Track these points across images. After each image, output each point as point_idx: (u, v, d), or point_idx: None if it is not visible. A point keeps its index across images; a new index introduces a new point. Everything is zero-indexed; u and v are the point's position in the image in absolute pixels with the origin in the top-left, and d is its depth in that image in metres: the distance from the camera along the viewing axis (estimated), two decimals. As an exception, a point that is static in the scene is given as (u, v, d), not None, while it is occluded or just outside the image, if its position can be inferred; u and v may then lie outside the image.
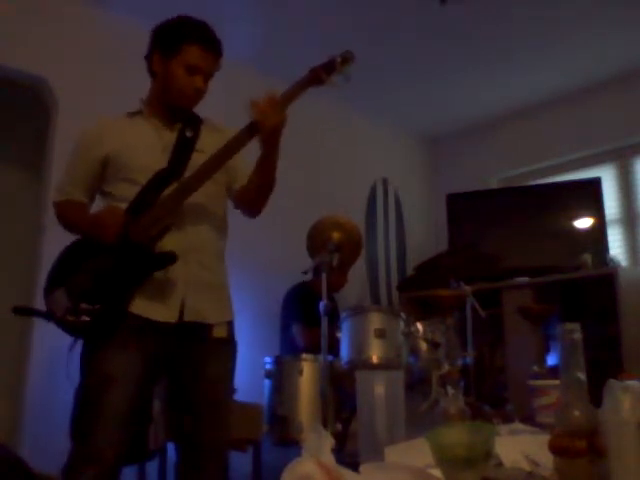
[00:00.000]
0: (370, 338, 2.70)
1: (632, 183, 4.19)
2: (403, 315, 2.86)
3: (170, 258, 1.69)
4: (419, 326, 2.88)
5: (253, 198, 1.90)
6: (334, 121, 4.45)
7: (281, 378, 2.80)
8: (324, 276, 2.63)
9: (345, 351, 2.75)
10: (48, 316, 1.69)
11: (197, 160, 1.79)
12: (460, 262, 3.44)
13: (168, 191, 1.75)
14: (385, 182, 4.77)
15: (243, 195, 1.90)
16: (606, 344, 3.32)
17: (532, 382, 1.63)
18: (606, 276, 3.56)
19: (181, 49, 1.78)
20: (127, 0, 3.32)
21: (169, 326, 1.73)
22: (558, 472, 0.97)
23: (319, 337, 2.63)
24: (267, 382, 2.85)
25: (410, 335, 2.82)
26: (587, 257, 3.76)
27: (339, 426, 2.57)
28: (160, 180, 1.75)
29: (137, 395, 1.70)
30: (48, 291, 1.72)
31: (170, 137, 1.85)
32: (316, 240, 2.86)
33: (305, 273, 2.67)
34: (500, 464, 1.12)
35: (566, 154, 4.42)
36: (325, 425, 2.42)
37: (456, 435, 1.03)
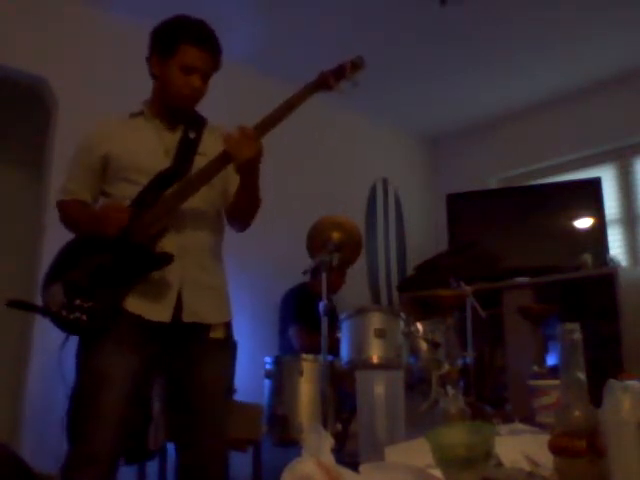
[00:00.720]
0: (370, 338, 2.70)
1: (632, 183, 4.19)
2: (403, 315, 2.86)
3: (166, 259, 1.69)
4: (419, 326, 2.88)
5: (237, 217, 1.91)
6: (334, 121, 4.45)
7: (281, 378, 2.80)
8: (324, 276, 2.63)
9: (345, 351, 2.75)
10: (43, 311, 1.69)
11: (199, 163, 1.79)
12: (460, 262, 3.45)
13: (169, 192, 1.75)
14: (385, 182, 4.77)
15: (228, 212, 1.91)
16: (606, 344, 3.32)
17: (532, 382, 1.63)
18: (606, 276, 3.56)
19: (177, 49, 1.78)
20: (127, 0, 3.32)
21: (164, 326, 1.73)
22: (558, 472, 0.97)
23: (315, 340, 2.63)
24: (267, 382, 2.86)
25: (410, 335, 2.82)
26: (587, 257, 3.76)
27: (339, 426, 2.57)
28: (163, 180, 1.75)
29: (133, 394, 1.70)
30: (45, 285, 1.72)
31: (171, 139, 1.85)
32: (316, 240, 2.86)
33: (305, 273, 2.67)
34: (500, 464, 1.12)
35: (566, 154, 4.42)
36: (325, 425, 2.42)
37: (456, 435, 1.03)
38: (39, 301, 1.75)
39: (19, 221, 3.56)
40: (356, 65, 1.79)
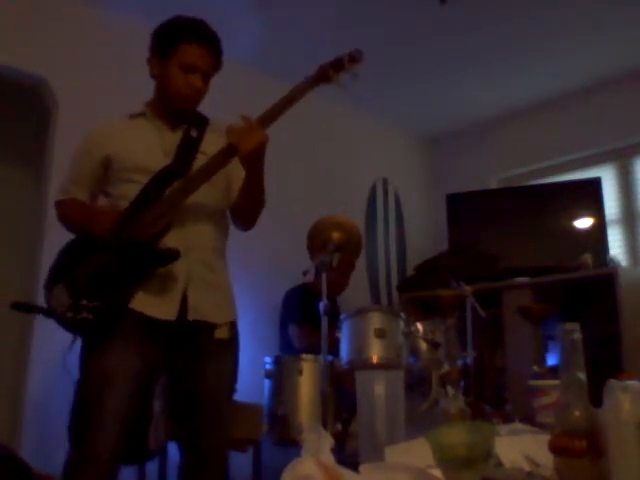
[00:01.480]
0: (370, 338, 2.70)
1: (632, 183, 4.19)
2: (403, 315, 2.86)
3: (173, 255, 1.68)
4: (419, 326, 2.88)
5: (242, 216, 1.91)
6: (334, 121, 4.45)
7: (281, 378, 2.80)
8: (324, 276, 2.63)
9: (345, 351, 2.75)
10: (48, 312, 1.69)
11: (200, 162, 1.79)
12: (460, 262, 3.45)
13: (170, 190, 1.75)
14: (385, 182, 4.77)
15: (233, 211, 1.90)
16: (606, 344, 3.32)
17: (532, 382, 1.63)
18: (606, 276, 3.56)
19: (177, 49, 1.77)
20: (127, 0, 3.32)
21: (169, 324, 1.73)
22: (558, 472, 0.97)
23: (315, 339, 2.63)
24: (267, 382, 2.86)
25: (410, 335, 2.82)
26: (587, 257, 3.76)
27: (339, 426, 2.57)
28: (163, 178, 1.75)
29: (136, 394, 1.70)
30: (48, 287, 1.72)
31: (172, 139, 1.84)
32: (316, 240, 2.86)
33: (305, 274, 2.67)
34: (500, 464, 1.12)
35: (566, 154, 4.42)
36: (325, 425, 2.42)
37: (456, 435, 1.03)
38: (40, 302, 1.75)
39: (19, 221, 3.55)
40: (354, 57, 1.79)
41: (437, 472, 1.01)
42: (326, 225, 2.88)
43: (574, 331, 1.00)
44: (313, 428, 1.02)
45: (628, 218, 4.16)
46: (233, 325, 1.88)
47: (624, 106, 4.08)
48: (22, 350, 3.03)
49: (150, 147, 1.82)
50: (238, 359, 1.90)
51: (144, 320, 1.70)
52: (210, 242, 1.85)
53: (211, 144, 1.83)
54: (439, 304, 3.17)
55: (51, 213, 1.96)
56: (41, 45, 3.15)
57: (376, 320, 2.75)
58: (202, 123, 1.90)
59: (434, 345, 2.83)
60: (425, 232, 4.93)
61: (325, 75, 1.78)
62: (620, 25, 3.57)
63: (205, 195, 1.79)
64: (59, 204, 1.90)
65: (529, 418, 1.57)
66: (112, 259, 1.69)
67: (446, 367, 2.75)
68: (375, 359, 2.67)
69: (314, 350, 2.81)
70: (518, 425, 1.52)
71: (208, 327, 1.79)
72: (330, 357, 2.65)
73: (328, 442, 0.98)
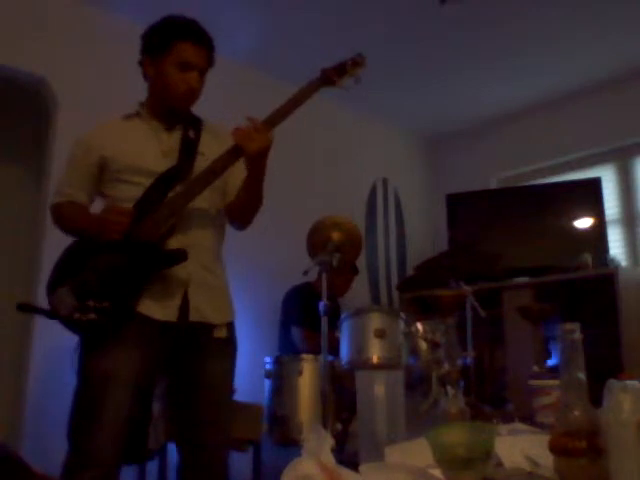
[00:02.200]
0: (370, 338, 2.70)
1: (632, 183, 4.19)
2: (403, 315, 2.86)
3: (181, 256, 1.69)
4: (419, 326, 2.88)
5: (239, 215, 1.91)
6: (334, 121, 4.45)
7: (281, 378, 2.80)
8: (324, 276, 2.63)
9: (345, 351, 2.75)
10: (51, 314, 1.69)
11: (200, 162, 1.79)
12: (460, 262, 3.44)
13: (173, 191, 1.75)
14: (385, 182, 4.77)
15: (230, 210, 1.90)
16: (606, 344, 3.32)
17: (532, 382, 1.63)
18: (606, 276, 3.56)
19: (171, 47, 1.77)
20: (127, 0, 3.32)
21: (169, 325, 1.73)
22: (558, 472, 0.97)
23: (319, 341, 2.62)
24: (267, 382, 2.86)
25: (410, 335, 2.82)
26: (587, 257, 3.76)
27: (339, 426, 2.57)
28: (168, 179, 1.75)
29: (137, 395, 1.69)
30: (51, 289, 1.71)
31: (168, 139, 1.84)
32: (316, 240, 2.86)
33: (305, 273, 2.66)
34: (500, 464, 1.12)
35: (566, 154, 4.42)
36: (325, 425, 2.42)
37: (456, 435, 1.03)
38: (40, 301, 1.74)
39: (19, 221, 3.55)
40: (356, 62, 1.84)
41: (437, 472, 1.01)
42: (326, 225, 2.88)
43: (574, 331, 1.00)
44: (313, 428, 1.02)
45: (628, 218, 4.16)
46: (231, 326, 1.88)
47: (624, 106, 4.08)
48: (22, 350, 3.03)
49: (147, 148, 1.82)
50: (235, 360, 1.90)
51: (145, 321, 1.70)
52: (209, 243, 1.86)
53: (207, 145, 1.84)
54: (439, 304, 3.18)
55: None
56: (41, 45, 3.15)
57: (376, 320, 2.75)
58: (197, 124, 1.90)
59: (434, 345, 2.83)
60: (425, 232, 4.93)
61: (329, 79, 1.82)
62: (620, 25, 3.57)
63: (203, 197, 1.79)
64: (57, 207, 1.87)
65: (529, 418, 1.57)
66: (122, 260, 1.69)
67: (446, 367, 2.75)
68: (375, 359, 2.66)
69: (317, 352, 2.80)
70: (518, 425, 1.52)
71: (207, 328, 1.80)
72: (330, 357, 2.65)
73: (328, 442, 0.98)
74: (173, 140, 1.84)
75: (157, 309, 1.72)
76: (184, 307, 1.75)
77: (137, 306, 1.69)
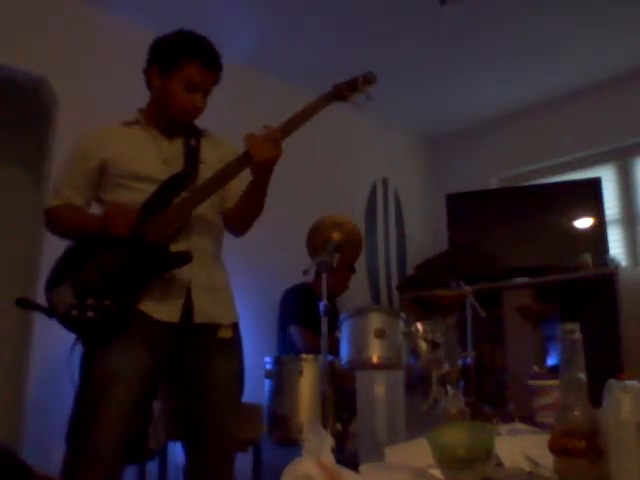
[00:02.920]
0: (370, 338, 2.70)
1: (632, 183, 4.19)
2: (403, 315, 2.86)
3: (186, 257, 1.70)
4: (419, 326, 2.88)
5: (238, 222, 1.92)
6: (334, 121, 4.44)
7: (281, 378, 2.80)
8: (324, 276, 2.63)
9: (345, 351, 2.75)
10: (50, 312, 1.68)
11: (202, 171, 1.81)
12: (460, 262, 3.45)
13: (178, 197, 1.76)
14: (385, 182, 4.77)
15: (230, 217, 1.91)
16: (606, 344, 3.32)
17: (532, 382, 1.63)
18: (606, 276, 3.56)
19: (181, 66, 1.77)
20: (127, 0, 3.32)
21: (172, 326, 1.73)
22: (558, 472, 0.97)
23: (318, 340, 2.63)
24: (267, 382, 2.86)
25: (410, 335, 2.82)
26: (587, 257, 3.76)
27: (339, 426, 2.57)
28: (175, 184, 1.77)
29: (138, 396, 1.69)
30: (51, 287, 1.71)
31: (169, 148, 1.85)
32: (316, 240, 2.86)
33: (305, 273, 2.67)
34: (500, 464, 1.12)
35: (566, 154, 4.42)
36: (325, 425, 2.42)
37: (456, 435, 1.03)
38: (41, 301, 1.74)
39: (19, 221, 3.55)
40: (367, 79, 1.87)
41: (437, 472, 1.01)
42: (326, 225, 2.88)
43: (574, 331, 1.00)
44: (313, 428, 1.02)
45: (628, 218, 4.16)
46: (236, 326, 1.89)
47: (624, 106, 4.08)
48: (22, 350, 3.03)
49: (148, 155, 1.82)
50: (243, 360, 1.90)
51: (147, 322, 1.70)
52: (210, 247, 1.87)
53: (208, 154, 1.86)
54: (439, 304, 3.18)
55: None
56: (41, 45, 3.15)
57: (376, 320, 2.75)
58: (197, 133, 1.92)
59: (434, 345, 2.83)
60: (425, 232, 4.93)
61: (340, 94, 1.86)
62: (620, 25, 3.57)
63: (207, 203, 1.80)
64: (54, 210, 1.84)
65: (529, 418, 1.57)
66: (126, 259, 1.69)
67: (446, 367, 2.75)
68: (375, 359, 2.67)
69: (317, 351, 2.81)
70: (518, 425, 1.52)
71: (212, 328, 1.80)
72: (330, 357, 2.66)
73: (328, 442, 0.98)
74: (174, 148, 1.85)
75: (159, 310, 1.72)
76: (188, 308, 1.75)
77: (139, 306, 1.69)
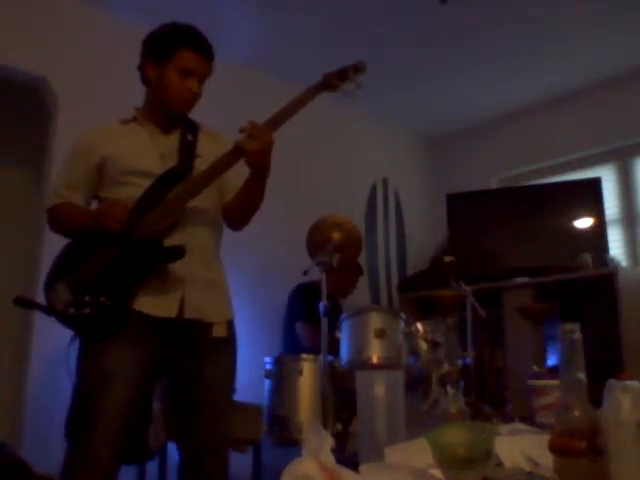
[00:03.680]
0: (370, 338, 2.70)
1: (632, 183, 4.19)
2: (403, 315, 2.86)
3: (179, 252, 1.70)
4: (419, 326, 2.88)
5: (237, 215, 1.92)
6: (334, 121, 4.45)
7: (281, 378, 2.80)
8: (324, 277, 2.63)
9: (345, 351, 2.75)
10: (48, 310, 1.69)
11: (198, 165, 1.81)
12: (460, 262, 3.45)
13: (173, 192, 1.76)
14: (385, 182, 4.77)
15: (228, 210, 1.91)
16: (606, 344, 3.32)
17: (532, 382, 1.63)
18: (606, 276, 3.56)
19: (174, 54, 1.79)
20: (127, 0, 3.32)
21: (168, 322, 1.73)
22: (558, 472, 0.97)
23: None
24: (267, 382, 2.86)
25: (410, 335, 2.82)
26: (587, 257, 3.76)
27: (339, 426, 2.57)
28: (170, 178, 1.77)
29: (136, 393, 1.69)
30: (49, 285, 1.72)
31: (166, 142, 1.86)
32: (316, 240, 2.86)
33: (305, 274, 2.67)
34: (500, 464, 1.12)
35: (566, 154, 4.42)
36: (325, 425, 2.42)
37: (456, 435, 1.03)
38: (41, 300, 1.74)
39: (19, 221, 3.55)
40: (358, 68, 1.88)
41: (437, 472, 1.01)
42: (326, 225, 2.88)
43: (574, 331, 1.00)
44: (313, 428, 1.01)
45: (628, 218, 4.16)
46: (231, 324, 1.89)
47: (624, 106, 4.08)
48: (22, 349, 3.03)
49: (146, 150, 1.83)
50: (236, 358, 1.90)
51: (143, 318, 1.71)
52: (207, 242, 1.87)
53: (204, 148, 1.86)
54: (439, 304, 3.18)
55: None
56: (41, 45, 3.15)
57: (376, 320, 2.75)
58: (194, 128, 1.92)
59: (434, 345, 2.83)
60: (425, 232, 4.93)
61: (330, 83, 1.86)
62: (620, 25, 3.57)
63: (202, 196, 1.80)
64: (55, 208, 1.86)
65: (529, 418, 1.57)
66: (119, 255, 1.70)
67: (446, 367, 2.75)
68: (375, 359, 2.67)
69: (320, 348, 2.81)
70: (518, 425, 1.52)
71: (205, 326, 1.80)
72: (330, 357, 2.66)
73: (328, 442, 0.98)
74: (171, 143, 1.86)
75: (155, 306, 1.72)
76: (182, 304, 1.75)
77: (134, 302, 1.70)
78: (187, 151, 1.84)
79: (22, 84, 3.24)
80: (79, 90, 3.21)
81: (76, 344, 1.72)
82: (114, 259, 1.69)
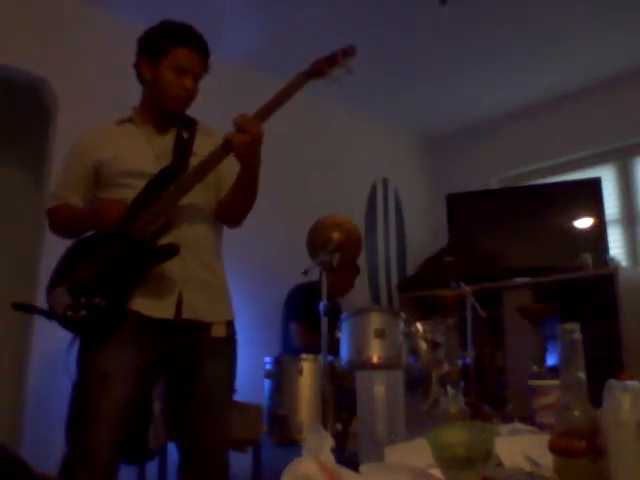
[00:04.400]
0: (370, 338, 2.70)
1: (632, 183, 4.19)
2: (403, 315, 2.86)
3: (172, 250, 1.69)
4: (419, 326, 2.88)
5: (230, 212, 1.90)
6: (334, 121, 4.45)
7: (281, 378, 2.80)
8: (324, 276, 2.63)
9: (345, 351, 2.75)
10: (49, 314, 1.69)
11: (194, 163, 1.80)
12: (460, 262, 3.45)
13: (167, 190, 1.75)
14: (385, 182, 4.77)
15: (221, 207, 1.89)
16: (606, 344, 3.32)
17: (532, 382, 1.63)
18: (606, 276, 3.56)
19: (169, 51, 1.80)
20: (127, 0, 3.32)
21: (166, 323, 1.73)
22: (558, 472, 0.97)
23: (316, 339, 2.62)
24: (267, 382, 2.86)
25: (410, 335, 2.82)
26: (587, 257, 3.76)
27: (339, 426, 2.57)
28: (164, 177, 1.76)
29: (135, 394, 1.70)
30: (50, 289, 1.72)
31: (161, 142, 1.86)
32: (316, 240, 2.86)
33: (305, 274, 2.67)
34: (500, 464, 1.12)
35: (566, 154, 4.42)
36: (325, 425, 2.42)
37: (456, 435, 1.02)
38: (40, 302, 1.75)
39: (19, 221, 3.55)
40: (347, 52, 1.83)
41: (437, 472, 1.01)
42: (326, 225, 2.88)
43: (574, 331, 1.00)
44: (313, 428, 1.01)
45: (628, 218, 4.16)
46: (230, 324, 1.88)
47: (624, 106, 4.08)
48: (22, 350, 3.03)
49: (141, 151, 1.83)
50: (236, 359, 1.90)
51: (141, 319, 1.71)
52: (206, 241, 1.86)
53: (202, 145, 1.85)
54: (439, 304, 3.18)
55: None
56: (41, 45, 3.15)
57: (376, 320, 2.75)
58: (191, 125, 1.92)
59: (434, 345, 2.83)
60: (425, 232, 4.93)
61: (319, 70, 1.82)
62: (620, 25, 3.57)
63: (198, 194, 1.80)
64: (53, 210, 1.86)
65: (529, 418, 1.57)
66: (114, 256, 1.70)
67: (446, 367, 2.75)
68: (375, 359, 2.67)
69: (313, 349, 2.81)
70: (518, 425, 1.52)
71: (204, 326, 1.80)
72: (330, 357, 2.65)
73: (328, 442, 0.98)
74: (166, 143, 1.86)
75: (153, 306, 1.72)
76: (179, 304, 1.75)
77: (132, 303, 1.70)
78: (182, 149, 1.84)
79: (22, 84, 3.24)
80: (79, 90, 3.21)
81: (76, 345, 1.72)
82: (109, 260, 1.70)
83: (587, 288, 3.68)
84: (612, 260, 3.78)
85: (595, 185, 4.02)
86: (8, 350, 3.27)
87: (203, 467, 1.77)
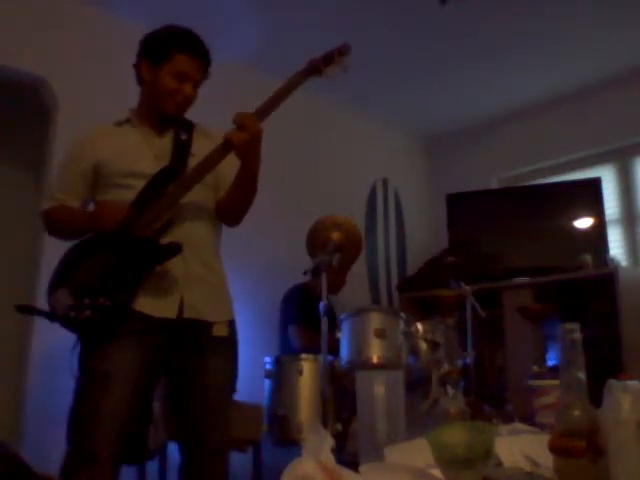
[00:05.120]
0: (370, 338, 2.70)
1: (632, 183, 4.19)
2: (403, 315, 2.86)
3: (175, 249, 1.70)
4: (419, 326, 2.88)
5: (229, 211, 1.91)
6: (334, 121, 4.45)
7: (281, 378, 2.80)
8: (324, 276, 2.63)
9: (345, 351, 2.75)
10: (50, 316, 1.69)
11: (192, 163, 1.81)
12: (460, 262, 3.45)
13: (169, 188, 1.75)
14: (385, 182, 4.77)
15: (221, 206, 1.90)
16: (606, 344, 3.32)
17: (532, 382, 1.63)
18: (606, 276, 3.56)
19: (171, 57, 1.80)
20: (127, 0, 3.32)
21: (168, 322, 1.73)
22: (558, 472, 0.97)
23: (315, 340, 2.62)
24: (267, 382, 2.85)
25: (410, 335, 2.82)
26: (587, 257, 3.76)
27: (339, 426, 2.57)
28: (164, 177, 1.76)
29: (136, 394, 1.70)
30: (51, 291, 1.72)
31: (160, 143, 1.86)
32: (316, 240, 2.86)
33: (306, 274, 2.67)
34: (500, 464, 1.12)
35: (566, 154, 4.42)
36: (325, 425, 2.42)
37: (456, 435, 1.02)
38: (40, 302, 1.75)
39: (19, 221, 3.55)
40: (342, 51, 1.86)
41: (437, 472, 1.01)
42: (326, 225, 2.88)
43: (574, 331, 1.00)
44: (313, 428, 1.02)
45: (628, 218, 4.16)
46: (232, 324, 1.89)
47: (624, 106, 4.08)
48: (22, 349, 3.03)
49: (140, 152, 1.83)
50: (238, 358, 1.90)
51: (143, 319, 1.71)
52: (206, 239, 1.87)
53: (200, 146, 1.86)
54: (439, 304, 3.18)
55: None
56: (41, 45, 3.15)
57: (376, 320, 2.75)
58: (189, 127, 1.92)
59: (434, 345, 2.83)
60: (425, 232, 4.93)
61: (316, 68, 1.85)
62: (620, 25, 3.57)
63: (198, 193, 1.80)
64: (49, 212, 1.85)
65: (529, 418, 1.57)
66: (117, 256, 1.70)
67: (446, 367, 2.75)
68: (375, 359, 2.66)
69: (313, 350, 2.81)
70: (518, 425, 1.52)
71: (205, 325, 1.80)
72: (330, 357, 2.65)
73: (328, 442, 0.98)
74: (164, 144, 1.86)
75: (155, 306, 1.72)
76: (182, 305, 1.75)
77: (134, 303, 1.70)
78: (180, 150, 1.85)
79: (22, 84, 3.24)
80: (79, 90, 3.21)
81: (79, 346, 1.72)
82: (112, 260, 1.70)
83: (587, 288, 3.67)
84: (612, 260, 3.78)
85: (595, 185, 4.02)
86: (8, 350, 3.27)
87: (203, 467, 1.78)
